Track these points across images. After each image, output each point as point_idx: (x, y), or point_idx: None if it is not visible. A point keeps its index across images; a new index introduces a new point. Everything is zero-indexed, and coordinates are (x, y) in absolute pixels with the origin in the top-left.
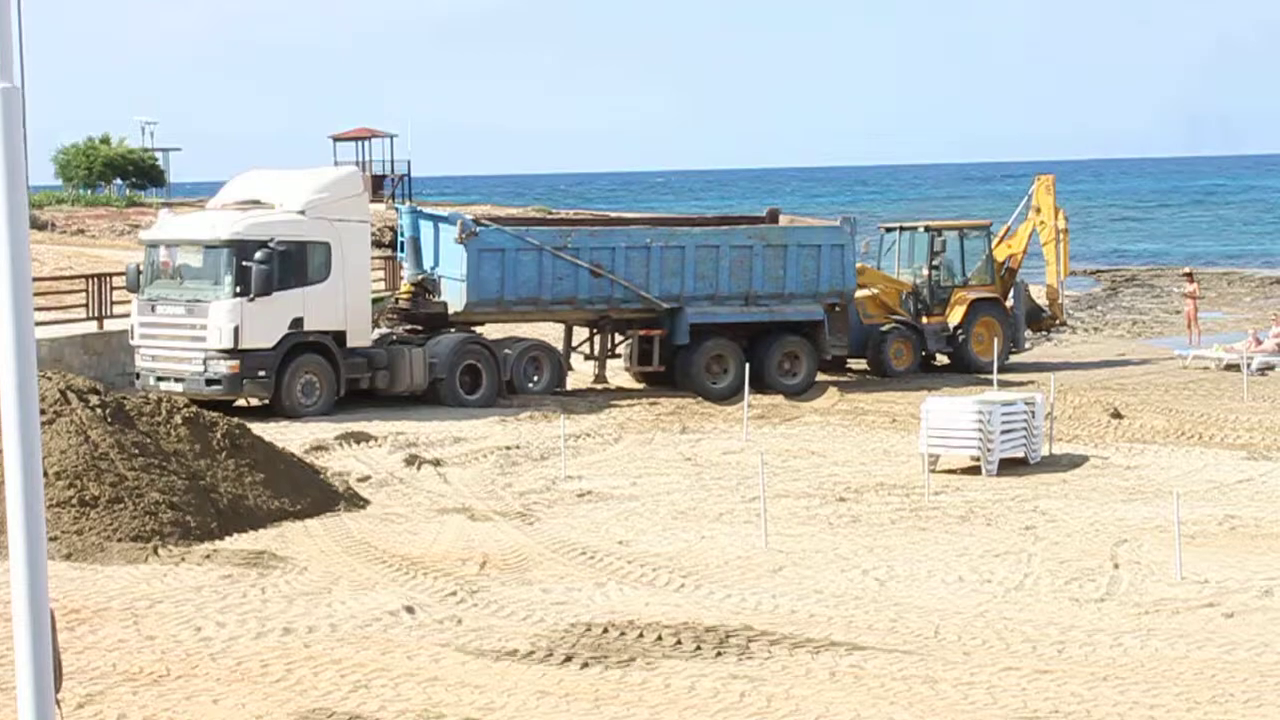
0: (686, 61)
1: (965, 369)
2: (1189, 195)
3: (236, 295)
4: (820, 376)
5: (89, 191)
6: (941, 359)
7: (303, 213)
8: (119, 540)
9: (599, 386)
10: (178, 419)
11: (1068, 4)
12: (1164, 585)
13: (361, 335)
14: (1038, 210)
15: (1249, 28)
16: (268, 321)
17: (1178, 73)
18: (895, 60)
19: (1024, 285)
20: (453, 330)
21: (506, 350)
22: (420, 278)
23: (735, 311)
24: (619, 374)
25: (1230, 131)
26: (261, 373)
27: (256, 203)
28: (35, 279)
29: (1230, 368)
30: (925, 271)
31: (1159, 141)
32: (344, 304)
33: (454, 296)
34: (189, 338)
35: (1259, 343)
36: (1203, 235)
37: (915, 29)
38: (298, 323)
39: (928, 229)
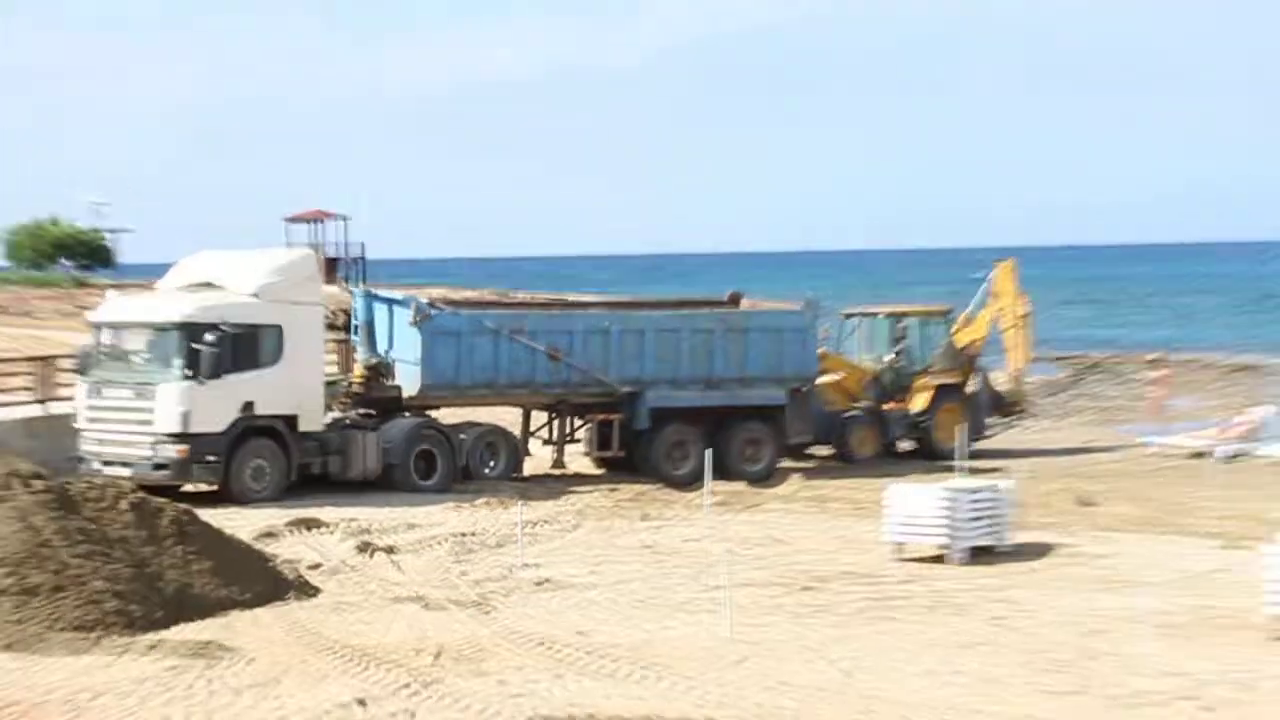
0: (650, 142)
1: (930, 455)
2: (1152, 281)
3: (186, 378)
4: (783, 463)
5: (36, 272)
6: (905, 445)
7: (255, 295)
8: (61, 630)
9: (557, 472)
10: (123, 504)
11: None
12: (1139, 677)
13: (314, 419)
14: (997, 296)
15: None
16: (218, 405)
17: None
18: (852, 141)
19: (985, 372)
20: (407, 414)
21: (462, 435)
22: (374, 361)
23: (696, 395)
24: (577, 459)
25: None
26: (211, 457)
27: (208, 284)
28: None
29: (1197, 455)
30: (887, 358)
31: (1122, 224)
32: (296, 387)
33: (408, 380)
34: (137, 421)
35: (1227, 430)
36: (1166, 323)
37: (881, 110)
38: (249, 406)
39: (889, 315)
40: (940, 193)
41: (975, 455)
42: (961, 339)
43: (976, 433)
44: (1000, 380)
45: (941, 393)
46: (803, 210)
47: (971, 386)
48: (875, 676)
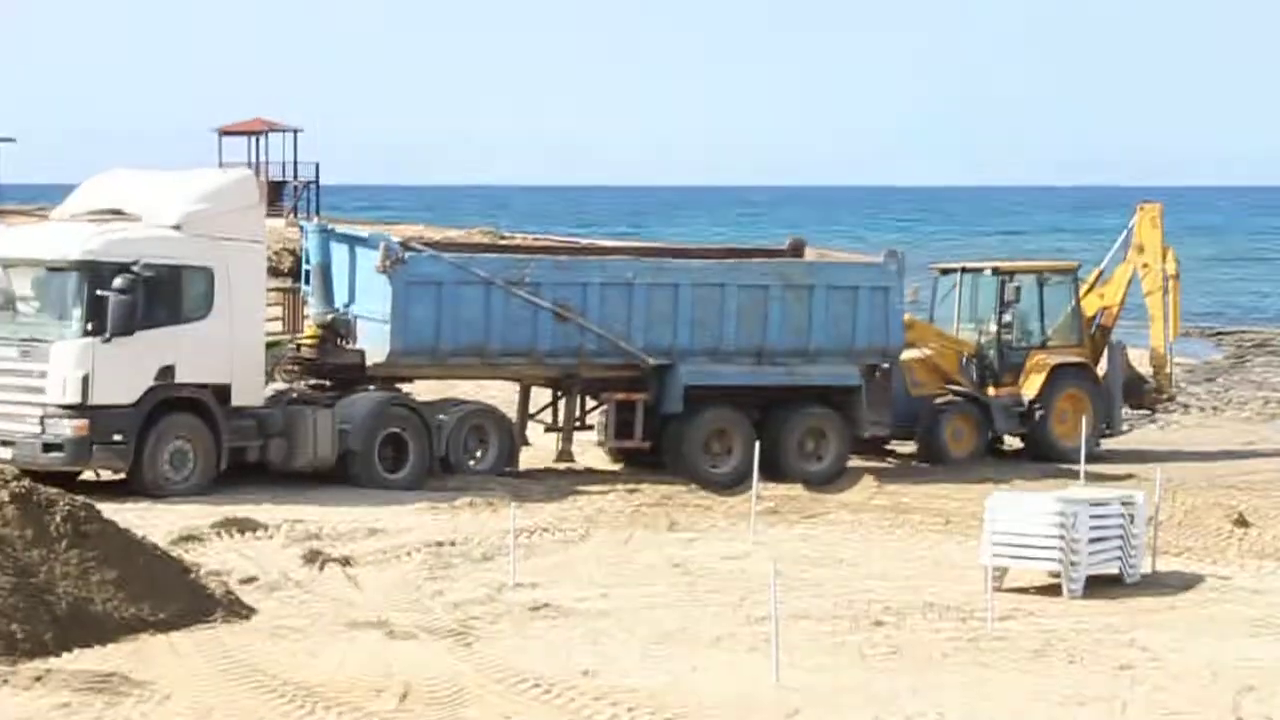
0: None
1: (1043, 456)
2: None
3: (87, 334)
4: (853, 461)
5: None
6: (1012, 442)
7: (178, 228)
8: None
9: (562, 466)
10: (4, 495)
11: None
12: None
13: (251, 391)
14: (1140, 249)
15: None
16: (128, 369)
17: None
18: (947, 55)
19: (1122, 348)
20: (371, 388)
21: (441, 416)
22: (330, 318)
23: (744, 372)
24: (589, 450)
25: None
26: (117, 437)
27: (117, 213)
28: None
29: None
30: (993, 328)
31: None
32: (229, 349)
33: (374, 343)
34: (21, 388)
35: None
36: None
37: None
38: (167, 372)
39: (997, 272)
40: (1037, 123)
41: (1102, 457)
42: (1090, 305)
43: (1106, 427)
44: (1140, 360)
45: (1061, 375)
46: (860, 134)
47: (1101, 367)
48: None
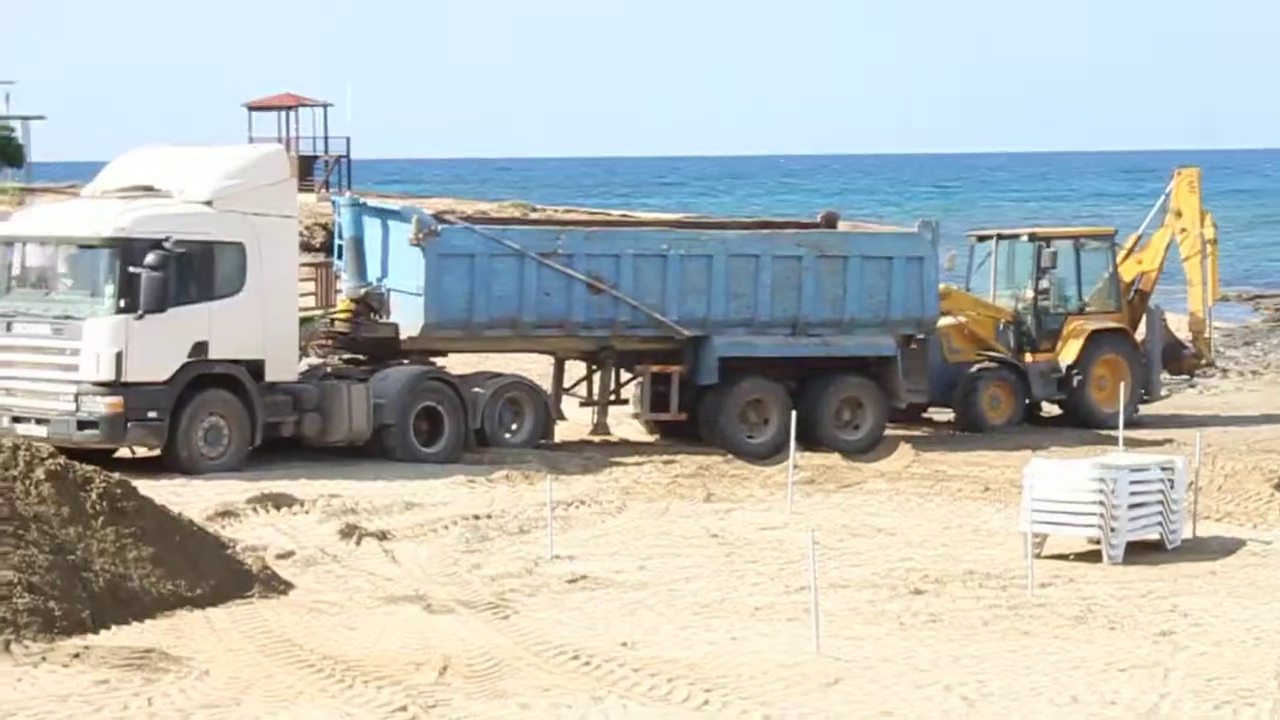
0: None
1: (1081, 422)
2: None
3: (120, 311)
4: (890, 430)
5: None
6: (1050, 409)
7: (209, 204)
8: None
9: (598, 439)
10: (39, 473)
11: None
12: None
13: (285, 366)
14: (1178, 214)
15: None
16: (161, 346)
17: None
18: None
19: (1160, 313)
20: (406, 362)
21: (476, 389)
22: (363, 292)
23: (779, 343)
24: (624, 422)
25: None
26: (152, 414)
27: (149, 190)
28: None
29: None
30: (1030, 294)
31: None
32: (262, 325)
33: (407, 317)
34: (56, 366)
35: None
36: None
37: None
38: (200, 348)
39: (1033, 238)
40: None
41: (1140, 423)
42: (1128, 271)
43: (1144, 393)
44: (1178, 325)
45: (1099, 340)
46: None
47: (1140, 333)
48: (1004, 706)
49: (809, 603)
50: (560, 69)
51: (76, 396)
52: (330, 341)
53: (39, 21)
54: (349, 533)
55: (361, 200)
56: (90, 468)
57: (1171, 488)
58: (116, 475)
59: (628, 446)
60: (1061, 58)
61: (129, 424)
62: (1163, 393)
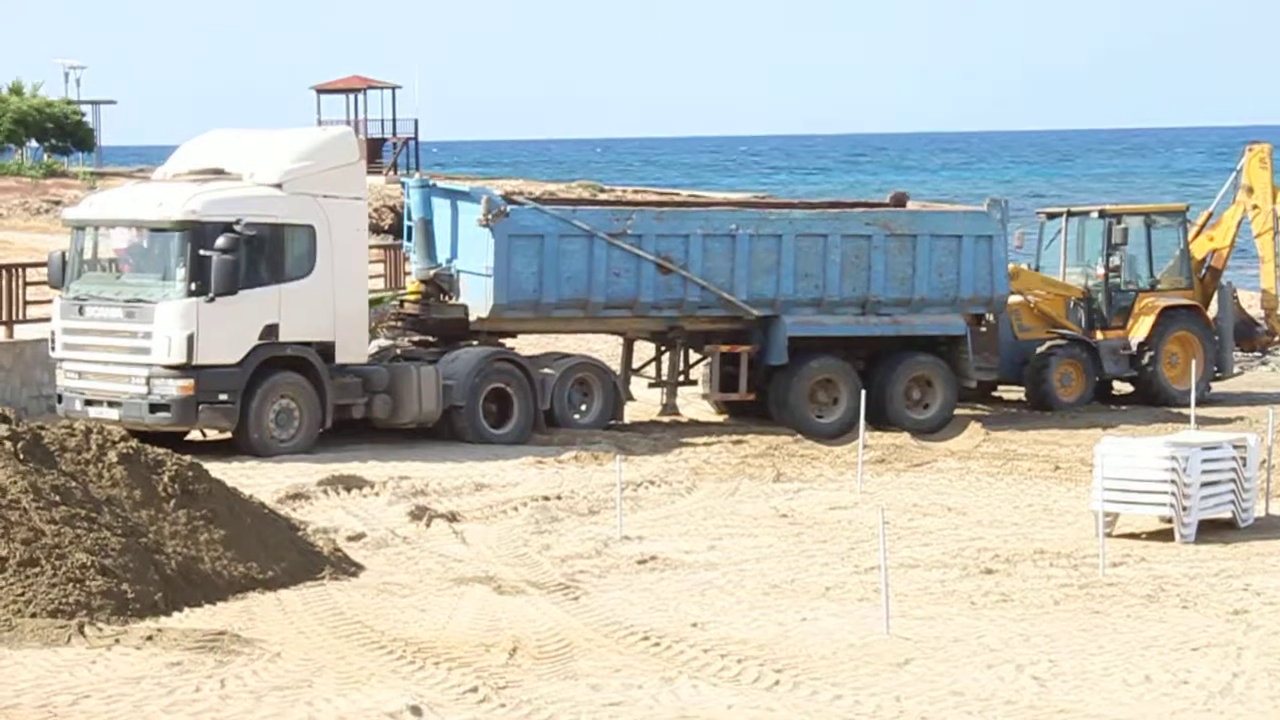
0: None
1: (1153, 400)
2: None
3: (191, 294)
4: (960, 409)
5: None
6: (1121, 386)
7: (279, 186)
8: (33, 615)
9: (667, 419)
10: (112, 456)
11: None
12: None
13: (355, 348)
14: (1249, 190)
15: None
16: (232, 329)
17: None
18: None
19: (1232, 290)
20: (475, 343)
21: (546, 370)
22: (432, 273)
23: (849, 323)
24: (694, 403)
25: None
26: (223, 396)
27: (219, 173)
28: None
29: None
30: (1101, 271)
31: None
32: (332, 307)
33: (477, 298)
34: (128, 349)
35: None
36: None
37: None
38: (271, 331)
39: (1104, 215)
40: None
41: (1213, 400)
42: (1200, 247)
43: (1216, 370)
44: (1250, 302)
45: (1171, 317)
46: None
47: (1211, 310)
48: (1076, 686)
49: (879, 583)
50: (645, 51)
51: (148, 379)
52: (400, 323)
53: (109, 6)
54: (419, 514)
55: (431, 182)
56: (162, 451)
57: (1244, 466)
58: (188, 458)
59: (697, 427)
60: (1147, 30)
61: (200, 407)
62: (1235, 370)
